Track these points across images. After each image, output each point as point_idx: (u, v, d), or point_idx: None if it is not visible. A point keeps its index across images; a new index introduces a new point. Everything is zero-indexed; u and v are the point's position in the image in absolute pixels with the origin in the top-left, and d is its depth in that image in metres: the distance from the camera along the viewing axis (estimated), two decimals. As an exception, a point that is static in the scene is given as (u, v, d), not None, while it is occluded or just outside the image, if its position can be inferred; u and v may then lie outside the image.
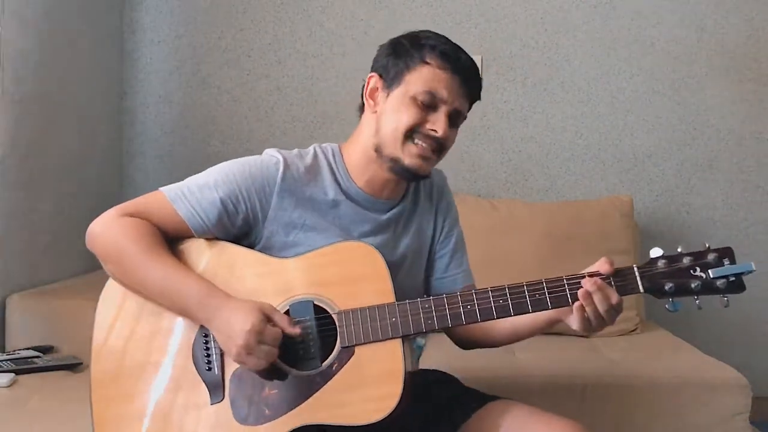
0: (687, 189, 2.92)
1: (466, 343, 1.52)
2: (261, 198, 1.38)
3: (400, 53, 1.39)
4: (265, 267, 1.37)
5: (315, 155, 1.45)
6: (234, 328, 1.25)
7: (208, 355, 1.33)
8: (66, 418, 1.62)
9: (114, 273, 1.37)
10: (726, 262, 1.25)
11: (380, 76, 1.41)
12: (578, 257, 2.47)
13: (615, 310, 1.27)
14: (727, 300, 1.26)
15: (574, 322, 1.30)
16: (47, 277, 2.43)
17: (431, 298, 1.32)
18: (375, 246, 1.35)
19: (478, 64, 2.84)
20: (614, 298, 1.26)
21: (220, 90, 2.97)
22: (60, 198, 2.53)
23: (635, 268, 1.28)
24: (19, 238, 2.31)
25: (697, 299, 1.27)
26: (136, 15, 2.98)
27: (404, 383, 1.27)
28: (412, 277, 1.49)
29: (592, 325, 1.28)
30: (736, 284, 1.25)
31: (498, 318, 1.31)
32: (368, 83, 1.42)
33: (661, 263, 1.27)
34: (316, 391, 1.29)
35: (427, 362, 2.02)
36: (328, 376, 1.29)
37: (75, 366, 2.00)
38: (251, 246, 1.41)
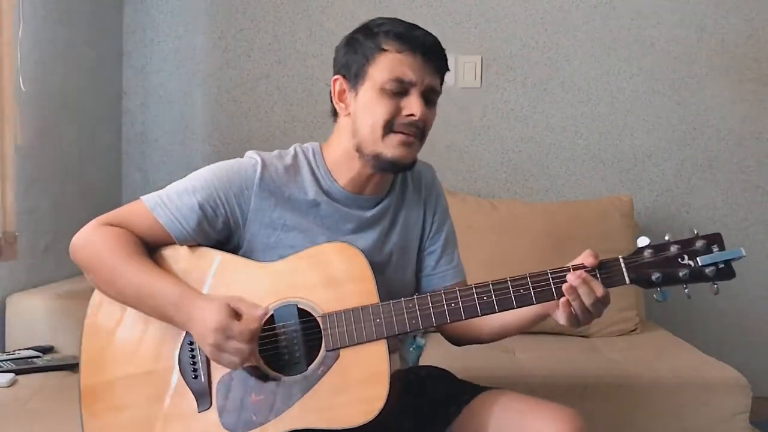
0: (687, 189, 2.92)
1: (457, 339, 1.51)
2: (240, 200, 1.37)
3: (357, 48, 1.38)
4: (247, 272, 1.36)
5: (295, 155, 1.44)
6: (205, 328, 1.25)
7: (194, 363, 1.33)
8: (66, 418, 1.61)
9: (95, 283, 1.36)
10: (715, 248, 1.23)
11: (344, 76, 1.40)
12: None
13: (602, 302, 1.25)
14: (717, 287, 1.23)
15: (560, 317, 1.28)
16: (47, 277, 2.43)
17: (415, 297, 1.31)
18: (361, 245, 1.35)
19: (478, 64, 2.87)
20: (600, 290, 1.24)
21: (220, 90, 2.97)
22: (60, 198, 2.53)
23: (621, 260, 1.25)
24: (19, 238, 2.31)
25: (686, 288, 1.25)
26: (136, 15, 2.98)
27: (390, 385, 1.26)
28: (400, 273, 1.47)
29: (580, 320, 1.27)
30: (725, 271, 1.23)
31: (483, 315, 1.29)
32: (334, 87, 1.42)
33: (647, 253, 1.25)
34: (303, 395, 1.28)
35: (426, 361, 2.01)
36: (314, 379, 1.29)
37: (75, 366, 1.99)
38: (234, 250, 1.40)
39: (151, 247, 1.37)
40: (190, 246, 1.38)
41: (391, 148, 1.35)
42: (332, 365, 1.29)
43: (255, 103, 2.96)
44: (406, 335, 1.50)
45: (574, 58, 2.90)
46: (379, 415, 1.24)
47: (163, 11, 2.97)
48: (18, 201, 2.30)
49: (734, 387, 2.00)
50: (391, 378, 1.26)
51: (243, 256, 1.39)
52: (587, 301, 1.24)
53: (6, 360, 1.95)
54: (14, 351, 2.05)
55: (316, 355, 1.30)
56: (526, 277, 1.28)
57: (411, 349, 2.08)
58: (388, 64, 1.34)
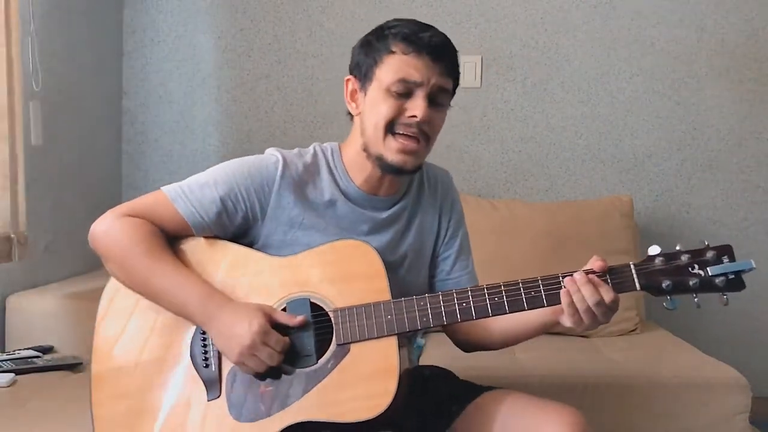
0: (687, 189, 2.92)
1: (466, 345, 1.52)
2: (260, 197, 1.39)
3: (368, 50, 1.39)
4: (262, 265, 1.37)
5: (315, 154, 1.46)
6: (238, 329, 1.27)
7: (206, 352, 1.34)
8: (66, 418, 1.62)
9: (115, 273, 1.38)
10: (725, 259, 1.24)
11: (355, 77, 1.42)
12: (578, 257, 2.46)
13: (609, 307, 1.25)
14: (727, 298, 1.24)
15: (566, 319, 1.28)
16: (47, 277, 2.43)
17: (427, 295, 1.32)
18: (375, 245, 1.35)
19: (478, 64, 2.87)
20: (610, 295, 1.24)
21: (220, 90, 2.97)
22: (60, 198, 2.53)
23: (632, 266, 1.26)
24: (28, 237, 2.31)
25: (695, 297, 1.26)
26: (136, 15, 2.98)
27: (399, 381, 1.27)
28: (413, 275, 1.49)
29: (583, 320, 1.26)
30: (735, 282, 1.23)
31: (493, 315, 1.30)
32: (347, 86, 1.43)
33: (658, 261, 1.26)
34: (312, 388, 1.29)
35: (427, 361, 2.02)
36: (323, 373, 1.30)
37: (75, 366, 2.00)
38: (250, 244, 1.41)
39: (169, 238, 1.39)
40: (206, 237, 1.39)
41: (390, 152, 1.36)
42: (342, 360, 1.30)
43: (255, 103, 2.96)
44: (417, 333, 1.51)
45: (574, 58, 2.90)
46: (386, 410, 1.25)
47: (163, 11, 2.97)
48: (18, 201, 2.30)
49: (734, 387, 2.00)
50: (399, 374, 1.27)
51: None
52: (590, 300, 1.24)
53: (6, 360, 1.95)
54: (14, 351, 2.04)
55: (327, 349, 1.31)
56: (538, 280, 1.29)
57: (412, 347, 2.08)
58: (394, 65, 1.35)
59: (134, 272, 1.34)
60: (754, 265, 1.23)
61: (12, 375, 1.86)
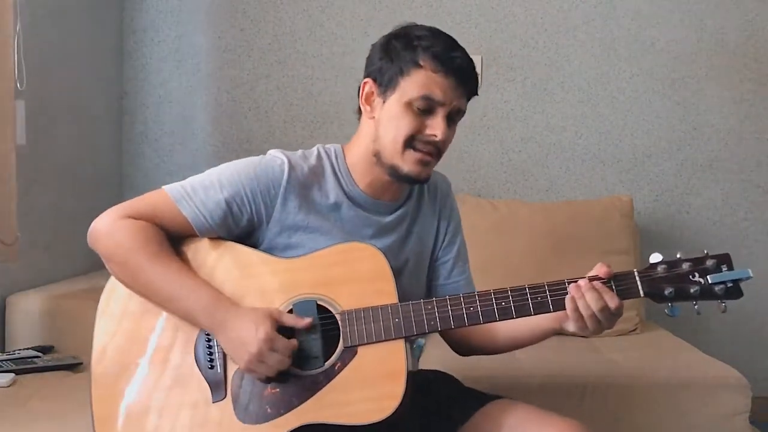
0: (687, 189, 2.92)
1: (465, 349, 1.52)
2: (266, 199, 1.38)
3: (393, 56, 1.37)
4: (268, 266, 1.37)
5: (319, 156, 1.45)
6: (245, 337, 1.26)
7: (211, 353, 1.33)
8: (66, 418, 1.61)
9: (118, 274, 1.36)
10: (724, 268, 1.27)
11: (375, 80, 1.40)
12: (578, 257, 2.49)
13: (613, 313, 1.27)
14: (725, 306, 1.27)
15: (569, 323, 1.30)
16: (47, 277, 2.43)
17: (434, 299, 1.32)
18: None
19: (478, 64, 2.86)
20: (615, 302, 1.26)
21: (220, 90, 2.97)
22: (60, 198, 2.53)
23: (636, 273, 1.28)
24: (19, 238, 2.31)
25: (696, 304, 1.28)
26: (136, 15, 2.98)
27: (406, 384, 1.27)
28: (415, 280, 1.49)
29: (588, 326, 1.27)
30: (733, 290, 1.26)
31: (500, 320, 1.31)
32: (363, 88, 1.42)
33: (660, 268, 1.28)
34: (319, 390, 1.29)
35: (427, 362, 2.02)
36: (330, 375, 1.30)
37: (75, 366, 2.00)
38: (254, 246, 1.41)
39: (171, 238, 1.38)
40: (210, 238, 1.39)
41: (408, 163, 1.37)
42: (349, 362, 1.30)
43: (255, 103, 2.96)
44: (424, 336, 1.51)
45: (574, 58, 2.90)
46: (393, 413, 1.25)
47: (163, 11, 2.97)
48: (18, 201, 2.30)
49: (734, 387, 2.00)
50: (407, 377, 1.27)
51: None
52: (595, 306, 1.25)
53: (6, 360, 1.95)
54: (14, 351, 2.04)
55: (334, 352, 1.31)
56: (544, 285, 1.30)
57: (412, 347, 2.09)
58: (420, 81, 1.34)
59: (138, 277, 1.33)
60: (752, 274, 1.26)
61: (12, 375, 1.86)
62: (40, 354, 2.03)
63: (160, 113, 2.99)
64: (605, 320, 1.27)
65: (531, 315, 1.30)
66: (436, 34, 1.38)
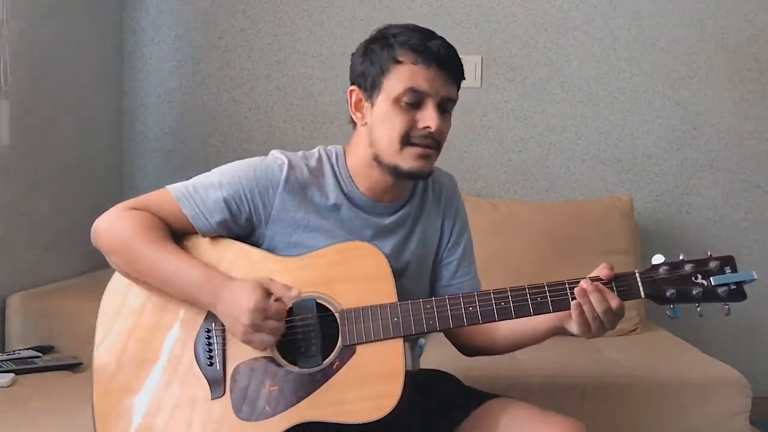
0: (687, 189, 2.92)
1: (469, 350, 1.52)
2: (264, 199, 1.39)
3: (373, 59, 1.37)
4: (268, 264, 1.37)
5: (319, 158, 1.45)
6: (238, 308, 1.27)
7: (210, 351, 1.34)
8: (66, 418, 1.62)
9: (119, 265, 1.38)
10: (727, 270, 1.26)
11: (359, 86, 1.40)
12: (578, 257, 2.49)
13: (615, 314, 1.27)
14: (728, 308, 1.27)
15: (573, 326, 1.30)
16: (47, 277, 2.43)
17: (433, 299, 1.32)
18: None
19: (478, 64, 2.87)
20: (615, 302, 1.26)
21: (220, 90, 2.97)
22: (60, 198, 2.53)
23: (637, 274, 1.28)
24: (19, 238, 2.31)
25: (698, 306, 1.28)
26: (136, 15, 2.98)
27: (404, 383, 1.27)
28: (417, 281, 1.49)
29: (591, 329, 1.28)
30: (737, 292, 1.26)
31: (499, 320, 1.31)
32: (350, 97, 1.42)
33: (662, 270, 1.28)
34: (317, 388, 1.29)
35: (427, 362, 2.02)
36: (329, 373, 1.30)
37: (75, 366, 2.00)
38: (255, 245, 1.41)
39: (173, 235, 1.39)
40: (211, 237, 1.40)
41: (408, 160, 1.36)
42: (348, 361, 1.30)
43: (255, 103, 2.96)
44: (423, 336, 1.51)
45: (574, 58, 2.90)
46: (391, 412, 1.26)
47: (163, 11, 2.97)
48: (18, 201, 2.30)
49: (734, 387, 2.00)
50: (405, 376, 1.28)
51: None
52: (599, 308, 1.26)
53: (6, 360, 1.96)
54: (14, 351, 2.05)
55: (332, 350, 1.32)
56: (544, 286, 1.30)
57: (413, 347, 2.08)
58: (403, 76, 1.34)
59: (138, 263, 1.35)
60: (756, 276, 1.25)
61: (12, 375, 1.86)
62: (40, 354, 2.03)
63: (160, 113, 2.99)
64: (608, 322, 1.27)
65: (531, 315, 1.30)
66: (411, 28, 1.38)
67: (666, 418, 1.99)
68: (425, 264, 1.51)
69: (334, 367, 1.30)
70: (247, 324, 1.26)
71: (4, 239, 2.24)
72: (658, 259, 1.29)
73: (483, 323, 1.32)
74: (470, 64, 2.84)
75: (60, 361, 2.00)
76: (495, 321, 1.31)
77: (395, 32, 1.38)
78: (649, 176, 2.92)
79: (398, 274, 1.38)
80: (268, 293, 1.29)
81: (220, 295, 1.30)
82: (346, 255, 1.36)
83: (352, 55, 1.45)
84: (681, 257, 1.29)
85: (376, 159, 1.39)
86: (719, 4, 2.86)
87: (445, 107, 1.38)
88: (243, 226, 1.40)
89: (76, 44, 2.62)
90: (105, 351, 1.37)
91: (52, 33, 2.45)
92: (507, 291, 1.30)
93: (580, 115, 2.92)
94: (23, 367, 1.93)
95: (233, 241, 1.40)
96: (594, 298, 1.25)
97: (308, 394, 1.29)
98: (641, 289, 1.28)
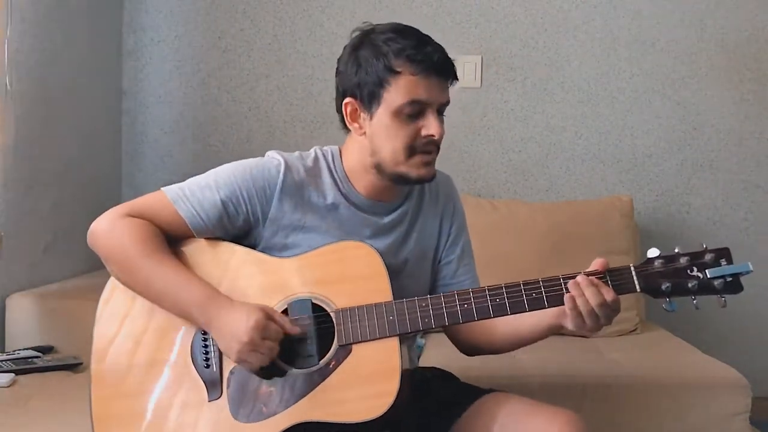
0: (687, 189, 2.92)
1: (470, 349, 1.52)
2: (261, 200, 1.38)
3: (368, 69, 1.35)
4: (264, 266, 1.38)
5: (316, 158, 1.45)
6: (237, 327, 1.27)
7: (207, 353, 1.34)
8: (66, 418, 1.62)
9: (116, 273, 1.38)
10: (723, 262, 1.26)
11: (355, 98, 1.38)
12: (578, 257, 2.46)
13: (611, 308, 1.26)
14: (725, 300, 1.26)
15: (568, 321, 1.30)
16: (47, 277, 2.43)
17: (428, 297, 1.32)
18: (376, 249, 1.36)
19: (478, 64, 2.87)
20: (610, 295, 1.26)
21: (220, 90, 2.97)
22: (60, 198, 2.53)
23: (632, 267, 1.28)
24: (19, 238, 2.31)
25: (694, 299, 1.28)
26: (136, 15, 2.98)
27: (401, 381, 1.27)
28: (415, 280, 1.48)
29: (586, 323, 1.27)
30: (733, 284, 1.26)
31: (495, 316, 1.31)
32: (346, 108, 1.40)
33: (657, 263, 1.27)
34: (314, 388, 1.30)
35: (426, 361, 2.02)
36: (325, 373, 1.30)
37: (75, 366, 2.00)
38: (252, 246, 1.41)
39: (169, 238, 1.39)
40: (207, 239, 1.39)
41: (415, 168, 1.37)
42: (344, 360, 1.30)
43: (255, 103, 2.96)
44: (418, 333, 1.51)
45: (574, 58, 2.90)
46: (388, 410, 1.25)
47: (163, 11, 2.97)
48: (18, 201, 2.30)
49: (734, 387, 2.00)
50: (401, 375, 1.28)
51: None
52: (594, 301, 1.25)
53: (6, 360, 1.95)
54: (14, 351, 2.05)
55: (328, 350, 1.32)
56: (539, 281, 1.30)
57: (412, 347, 2.08)
58: (403, 87, 1.33)
59: (135, 274, 1.34)
60: (752, 268, 1.25)
61: (12, 375, 1.86)
62: (40, 354, 2.03)
63: (160, 113, 2.99)
64: (603, 316, 1.27)
65: (526, 311, 1.30)
66: (400, 32, 1.37)
67: (666, 418, 1.99)
68: (424, 262, 1.51)
69: (331, 366, 1.31)
70: (246, 341, 1.26)
71: (4, 239, 2.24)
72: (653, 252, 1.28)
73: (479, 320, 1.32)
74: (470, 64, 2.84)
75: (60, 361, 2.00)
76: (491, 317, 1.31)
77: (384, 39, 1.36)
78: (649, 176, 2.92)
79: (397, 272, 1.38)
80: (269, 316, 1.29)
81: (219, 315, 1.30)
82: (341, 254, 1.36)
83: (339, 61, 1.42)
84: (676, 250, 1.28)
85: (378, 167, 1.39)
86: (719, 4, 2.86)
87: (441, 111, 1.39)
88: (240, 227, 1.40)
89: (76, 44, 2.62)
90: (103, 355, 1.37)
91: (52, 33, 2.45)
92: (502, 287, 1.30)
93: (580, 115, 2.92)
94: (23, 367, 1.93)
95: (228, 243, 1.40)
96: (588, 291, 1.25)
97: (305, 394, 1.29)
98: (636, 282, 1.27)
